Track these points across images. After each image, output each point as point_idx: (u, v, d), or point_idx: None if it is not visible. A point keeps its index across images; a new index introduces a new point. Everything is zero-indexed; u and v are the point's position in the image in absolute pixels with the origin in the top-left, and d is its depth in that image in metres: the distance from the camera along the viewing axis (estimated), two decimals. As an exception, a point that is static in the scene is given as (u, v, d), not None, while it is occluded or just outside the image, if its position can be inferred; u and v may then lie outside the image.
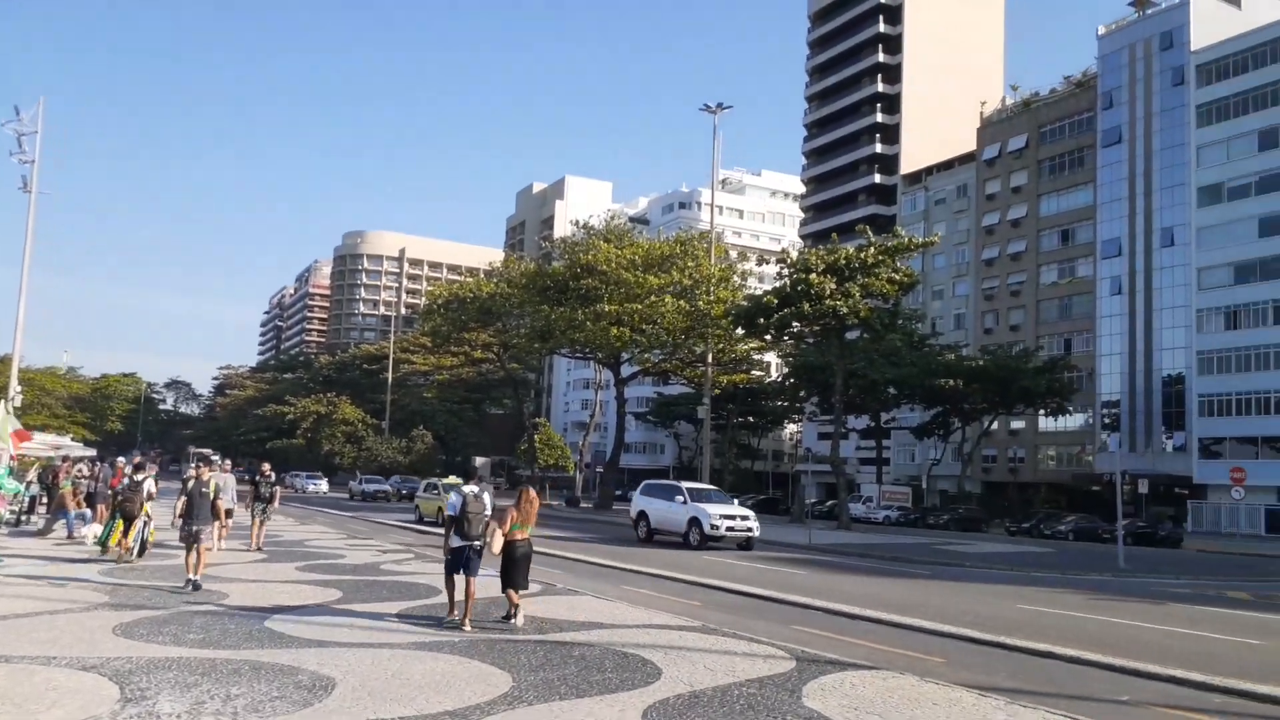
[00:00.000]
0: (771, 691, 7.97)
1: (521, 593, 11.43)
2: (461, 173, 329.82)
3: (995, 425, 72.83)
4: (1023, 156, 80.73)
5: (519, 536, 11.03)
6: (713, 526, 26.83)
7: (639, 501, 30.36)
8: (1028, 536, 48.85)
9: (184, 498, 13.98)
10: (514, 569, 11.05)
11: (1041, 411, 66.08)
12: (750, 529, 27.47)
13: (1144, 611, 17.21)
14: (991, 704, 7.88)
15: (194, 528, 13.53)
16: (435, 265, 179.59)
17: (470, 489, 11.30)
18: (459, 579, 11.27)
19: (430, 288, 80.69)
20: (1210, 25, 67.04)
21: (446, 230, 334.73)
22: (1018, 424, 77.46)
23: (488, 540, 10.94)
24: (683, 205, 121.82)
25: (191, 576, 13.41)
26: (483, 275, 76.56)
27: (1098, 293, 72.33)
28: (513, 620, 11.20)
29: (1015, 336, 77.71)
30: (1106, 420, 70.44)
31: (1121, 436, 67.84)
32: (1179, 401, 66.21)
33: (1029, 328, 78.35)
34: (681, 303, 51.51)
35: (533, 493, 11.49)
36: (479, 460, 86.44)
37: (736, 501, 32.39)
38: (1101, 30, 73.70)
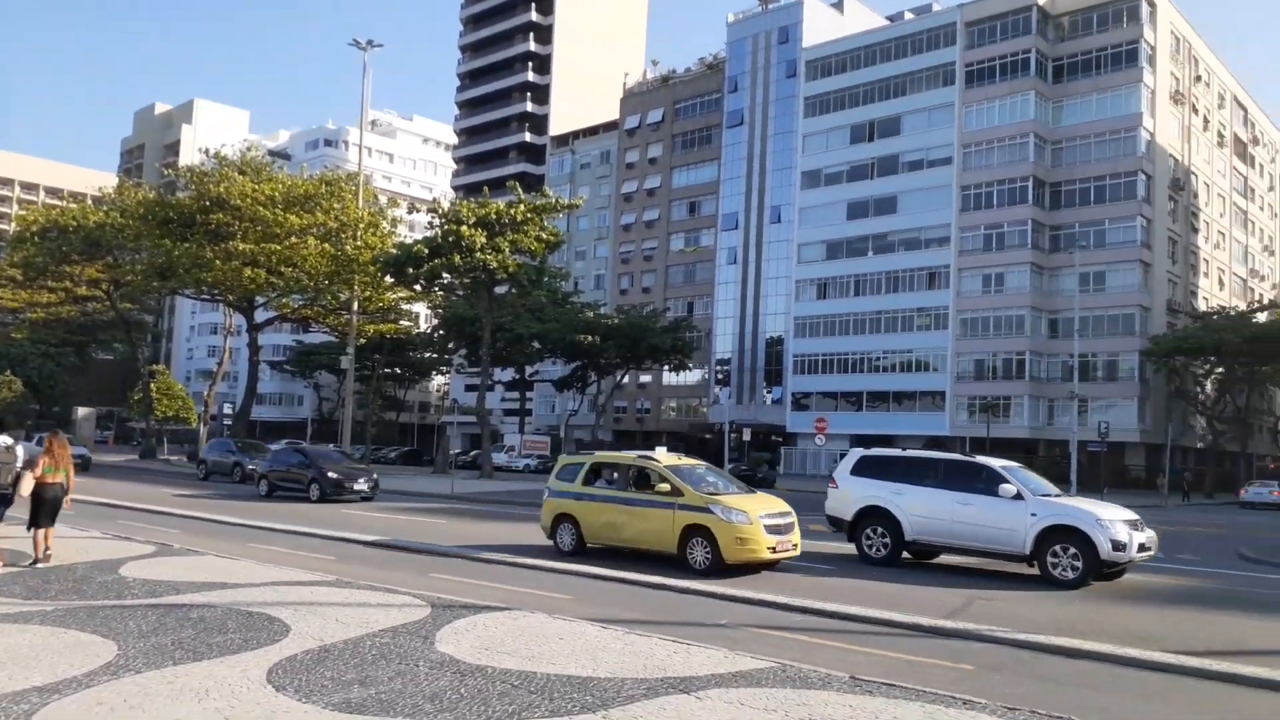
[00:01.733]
0: (405, 639, 8.08)
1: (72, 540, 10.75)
2: (68, 84, 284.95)
3: (626, 379, 77.83)
4: (660, 129, 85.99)
5: (49, 480, 12.24)
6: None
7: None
8: (652, 482, 52.84)
9: None
10: (41, 510, 12.20)
11: (666, 367, 71.53)
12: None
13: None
14: (611, 634, 8.62)
15: None
16: (30, 186, 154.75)
17: (1, 440, 12.72)
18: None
19: (22, 212, 69.10)
20: (820, 25, 75.63)
21: (45, 147, 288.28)
22: (646, 378, 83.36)
23: (18, 487, 12.22)
24: (329, 143, 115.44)
25: None
26: (90, 201, 67.24)
27: (717, 261, 79.53)
28: (41, 564, 11.95)
29: (647, 298, 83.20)
30: (720, 376, 78.06)
31: (731, 390, 75.61)
32: (779, 360, 75.06)
33: (659, 290, 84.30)
34: (326, 246, 48.96)
35: (62, 436, 12.91)
36: (82, 411, 76.41)
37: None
38: (731, 18, 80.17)
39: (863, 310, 68.81)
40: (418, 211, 53.07)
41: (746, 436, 47.52)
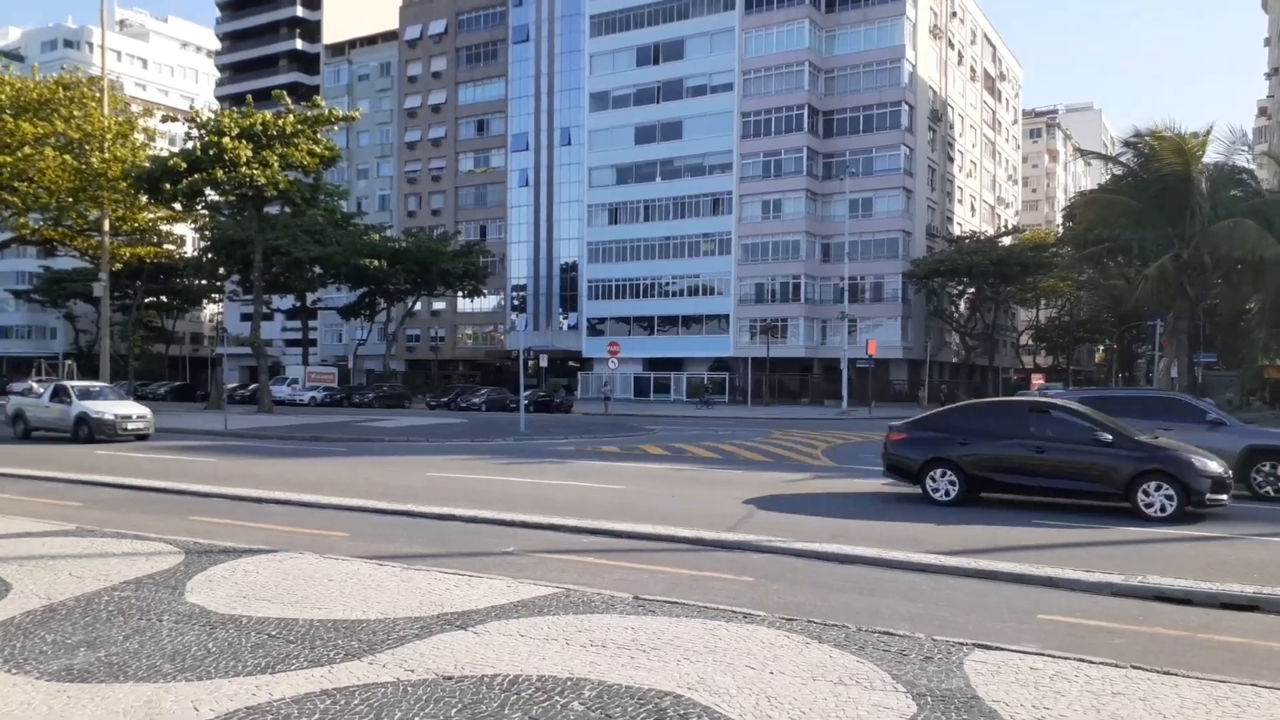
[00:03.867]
0: (150, 591, 7.26)
1: None
2: None
3: (419, 306, 75.44)
4: (442, 42, 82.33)
5: None
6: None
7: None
8: (446, 410, 51.94)
9: None
10: None
11: (460, 293, 70.00)
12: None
13: (540, 470, 19.37)
14: (387, 571, 8.15)
15: None
16: None
17: None
18: None
19: None
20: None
21: None
22: (439, 305, 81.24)
23: None
24: (69, 44, 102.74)
25: None
26: None
27: (509, 183, 77.97)
28: None
29: (437, 220, 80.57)
30: (516, 302, 77.25)
31: (528, 317, 75.12)
32: (574, 286, 75.11)
33: (449, 212, 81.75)
34: (67, 158, 43.61)
35: None
36: None
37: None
38: (517, -72, 77.19)
39: (653, 236, 69.68)
40: (173, 121, 48.06)
41: (544, 363, 47.29)
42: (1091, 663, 5.61)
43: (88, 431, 25.06)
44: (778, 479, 17.58)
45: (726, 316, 67.13)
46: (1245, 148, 27.84)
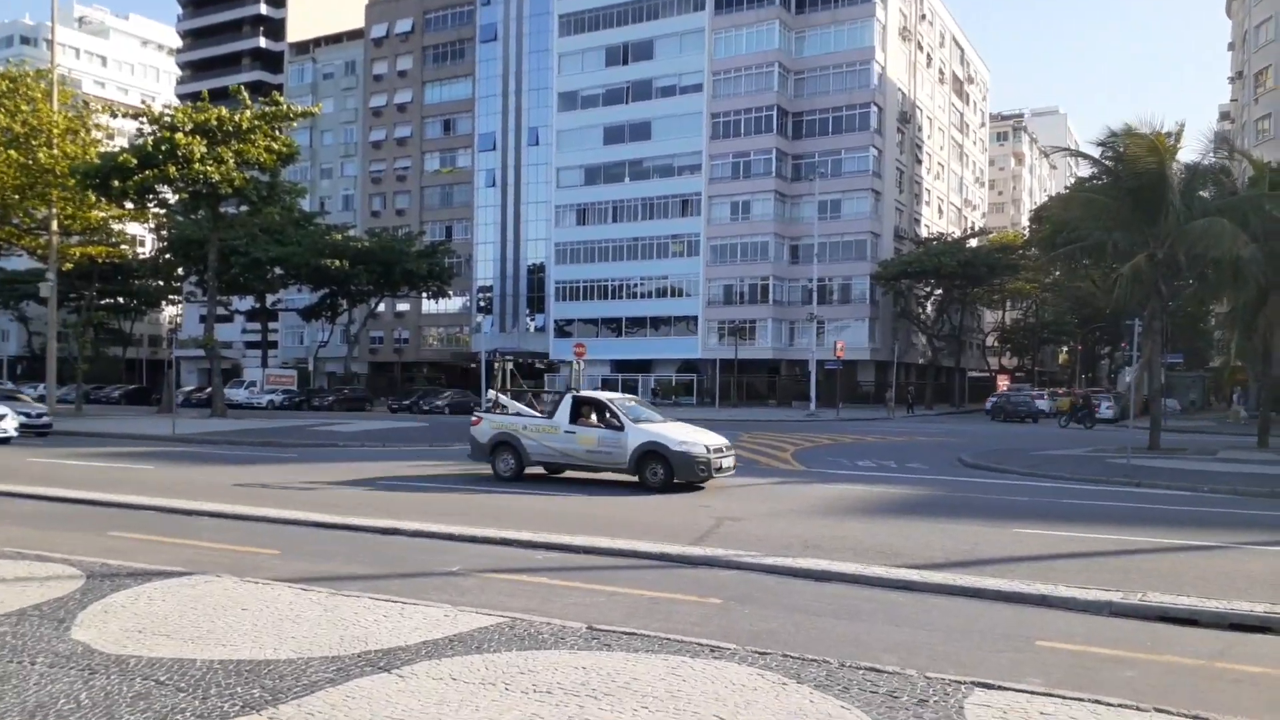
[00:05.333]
0: (32, 626, 6.32)
1: None
2: None
3: (382, 307, 74.13)
4: (409, 40, 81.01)
5: None
6: None
7: None
8: (408, 413, 50.79)
9: None
10: None
11: (424, 294, 68.78)
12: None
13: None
14: (311, 598, 7.26)
15: None
16: None
17: None
18: None
19: None
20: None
21: None
22: (403, 307, 79.86)
23: None
24: (25, 40, 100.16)
25: None
26: None
27: (475, 183, 76.78)
28: None
29: (401, 220, 79.19)
30: (482, 304, 76.00)
31: (494, 319, 73.98)
32: (541, 287, 74.07)
33: (414, 213, 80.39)
34: (13, 154, 42.03)
35: None
36: None
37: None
38: (484, -75, 76.12)
39: (621, 237, 68.83)
40: (123, 116, 46.58)
41: (510, 365, 46.36)
42: (1109, 705, 4.88)
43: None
44: (747, 485, 16.85)
45: (695, 318, 66.42)
46: (1225, 149, 27.56)
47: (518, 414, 17.87)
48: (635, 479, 16.03)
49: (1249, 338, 24.78)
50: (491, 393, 18.90)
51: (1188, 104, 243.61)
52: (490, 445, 17.31)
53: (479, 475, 17.86)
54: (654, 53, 68.09)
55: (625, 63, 68.82)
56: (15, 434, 25.32)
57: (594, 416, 16.73)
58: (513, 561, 9.62)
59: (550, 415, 17.17)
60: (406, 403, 54.48)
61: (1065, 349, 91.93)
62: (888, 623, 7.20)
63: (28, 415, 28.30)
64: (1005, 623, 7.22)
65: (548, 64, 72.40)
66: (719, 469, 15.87)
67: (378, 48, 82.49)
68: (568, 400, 17.10)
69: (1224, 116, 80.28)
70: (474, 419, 18.09)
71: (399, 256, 59.85)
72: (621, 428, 16.08)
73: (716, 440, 16.18)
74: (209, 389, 56.10)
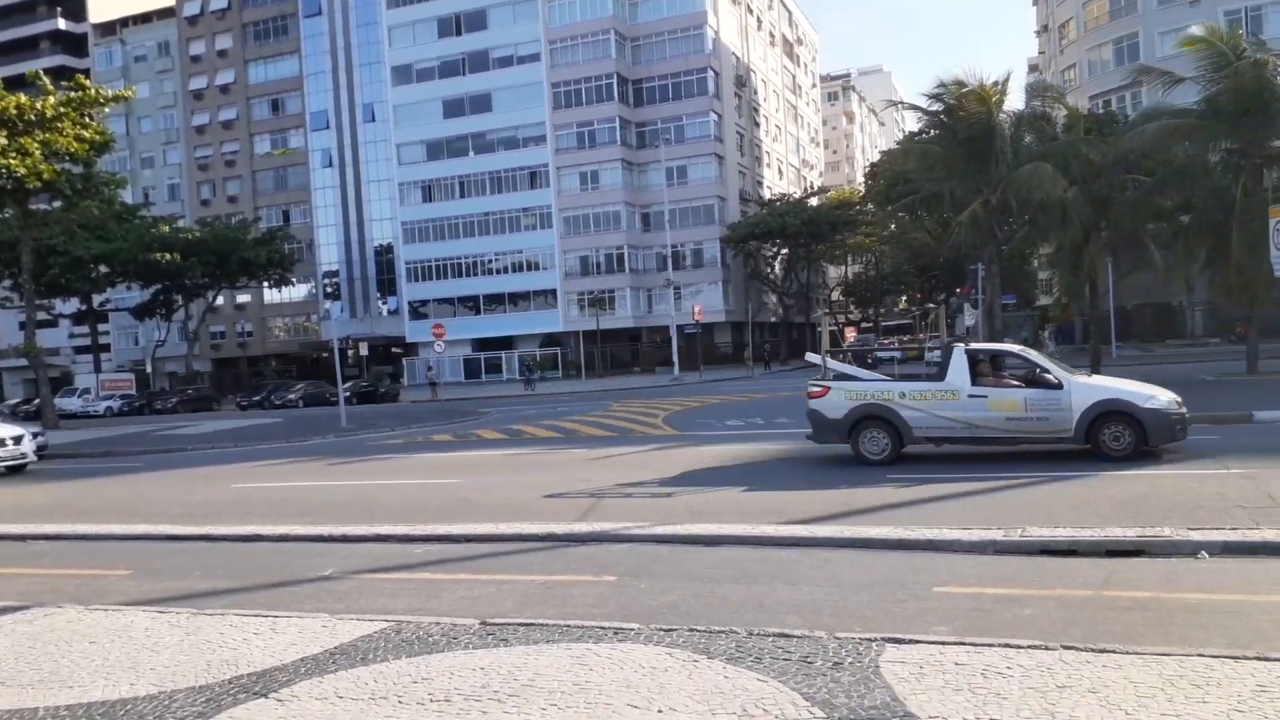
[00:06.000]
0: None
1: None
2: None
3: (220, 300, 70.19)
4: (226, 17, 76.32)
5: None
6: None
7: None
8: (259, 409, 48.32)
9: None
10: None
11: (265, 283, 65.50)
12: None
13: (365, 468, 17.68)
14: (170, 621, 6.59)
15: None
16: None
17: None
18: None
19: None
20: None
21: None
22: (244, 298, 75.89)
23: None
24: None
25: None
26: None
27: (311, 164, 73.38)
28: None
29: (234, 207, 75.02)
30: (329, 290, 73.10)
31: (343, 304, 71.21)
32: (391, 269, 71.71)
33: (247, 198, 76.26)
34: None
35: None
36: None
37: None
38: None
39: (470, 212, 67.33)
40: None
41: (365, 351, 44.62)
42: (1019, 648, 4.91)
43: None
44: (624, 454, 16.71)
45: (554, 291, 65.80)
46: (1047, 96, 29.15)
47: (873, 380, 14.46)
48: (1085, 447, 12.44)
49: (1075, 276, 26.43)
50: (817, 356, 14.98)
51: (1000, 59, 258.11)
52: (850, 422, 13.53)
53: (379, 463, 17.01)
54: (487, 22, 66.48)
55: (459, 33, 66.92)
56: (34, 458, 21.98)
57: (996, 374, 13.40)
58: (390, 559, 9.09)
59: (940, 377, 13.37)
60: (257, 398, 51.86)
61: (904, 298, 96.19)
62: (786, 583, 7.13)
63: None
64: (899, 571, 7.29)
65: (377, 37, 69.61)
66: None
67: (192, 26, 77.35)
68: (960, 354, 13.20)
69: (1033, 69, 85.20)
70: (813, 390, 14.11)
71: (234, 245, 56.81)
72: (1059, 384, 12.53)
73: (1166, 392, 12.78)
74: (37, 400, 51.82)
